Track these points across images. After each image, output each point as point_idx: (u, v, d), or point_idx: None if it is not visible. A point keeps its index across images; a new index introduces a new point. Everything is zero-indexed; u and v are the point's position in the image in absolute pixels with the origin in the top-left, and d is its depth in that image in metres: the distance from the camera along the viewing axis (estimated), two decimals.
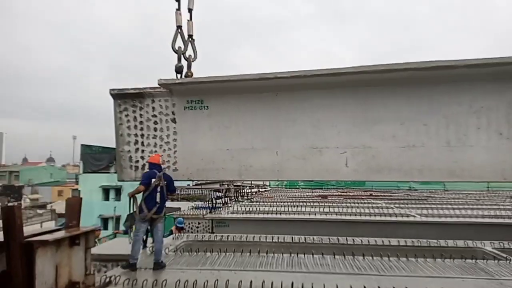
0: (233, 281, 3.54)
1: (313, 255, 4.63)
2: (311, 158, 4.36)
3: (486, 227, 7.02)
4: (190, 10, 4.76)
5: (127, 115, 4.42)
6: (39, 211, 26.68)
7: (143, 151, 4.46)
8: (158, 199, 4.20)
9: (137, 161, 4.46)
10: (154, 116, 4.42)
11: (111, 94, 4.39)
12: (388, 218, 7.74)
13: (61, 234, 3.61)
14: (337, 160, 4.30)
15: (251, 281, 3.49)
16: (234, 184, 20.22)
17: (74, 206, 3.97)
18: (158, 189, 4.23)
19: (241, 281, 3.49)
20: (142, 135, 4.45)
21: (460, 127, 4.08)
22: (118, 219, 23.03)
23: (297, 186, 22.93)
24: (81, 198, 4.21)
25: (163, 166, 4.34)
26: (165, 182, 4.12)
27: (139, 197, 4.25)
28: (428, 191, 18.77)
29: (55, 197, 40.59)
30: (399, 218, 7.75)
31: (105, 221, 24.05)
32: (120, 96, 4.41)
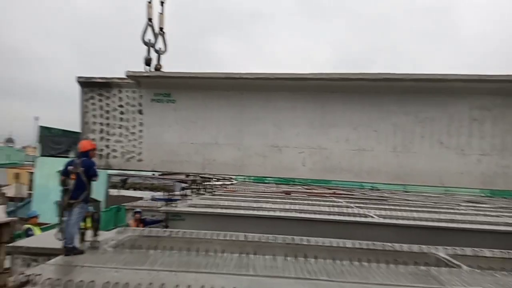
0: (169, 285, 3.32)
1: (264, 256, 4.52)
2: (272, 156, 4.62)
3: (441, 231, 7.17)
4: (162, 3, 4.85)
5: (93, 104, 4.47)
6: None
7: (108, 140, 4.53)
8: (71, 186, 4.37)
9: (101, 150, 4.53)
10: (121, 106, 4.50)
11: (78, 82, 4.42)
12: (346, 218, 7.78)
13: None
14: (295, 159, 4.59)
15: (189, 286, 3.30)
16: (201, 175, 20.24)
17: None
18: (72, 176, 4.38)
19: (177, 286, 3.29)
20: (108, 124, 4.52)
21: (406, 135, 4.49)
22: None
23: (265, 181, 23.19)
24: None
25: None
26: (82, 169, 4.30)
27: None
28: (389, 191, 19.27)
29: (10, 179, 38.63)
30: (357, 218, 7.78)
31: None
32: (87, 84, 4.45)
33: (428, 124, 4.47)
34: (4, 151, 54.41)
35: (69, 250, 4.25)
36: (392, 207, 10.31)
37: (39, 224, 9.30)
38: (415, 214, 8.57)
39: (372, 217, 8.02)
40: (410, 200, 13.89)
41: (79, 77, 4.41)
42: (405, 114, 4.45)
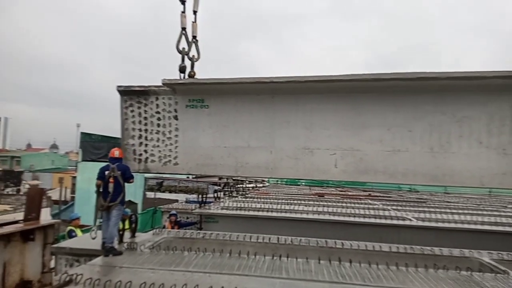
0: (203, 286, 3.36)
1: (297, 259, 4.46)
2: (303, 158, 4.64)
3: (485, 235, 6.80)
4: (195, 12, 5.03)
5: (132, 111, 4.72)
6: None
7: (146, 145, 4.75)
8: (110, 189, 4.63)
9: (140, 154, 4.76)
10: (158, 112, 4.71)
11: (118, 91, 4.68)
12: (382, 221, 7.51)
13: (10, 228, 3.31)
14: (327, 161, 4.59)
15: (222, 287, 3.34)
16: (233, 178, 20.52)
17: (34, 197, 3.73)
18: (111, 180, 4.65)
19: (211, 287, 3.33)
20: (146, 130, 4.74)
21: (443, 135, 4.36)
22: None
23: (298, 183, 23.06)
24: (42, 189, 4.08)
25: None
26: (119, 172, 4.60)
27: None
28: (428, 193, 18.56)
29: (55, 183, 40.97)
30: (394, 221, 7.48)
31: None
32: (127, 93, 4.70)
33: (466, 123, 4.31)
34: (49, 156, 58.00)
35: (109, 250, 4.47)
36: (432, 209, 9.90)
37: (80, 226, 9.84)
38: (456, 217, 8.22)
39: (410, 220, 7.74)
40: (451, 202, 13.27)
41: (119, 86, 4.67)
42: (441, 113, 4.32)
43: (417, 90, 4.30)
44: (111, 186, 4.59)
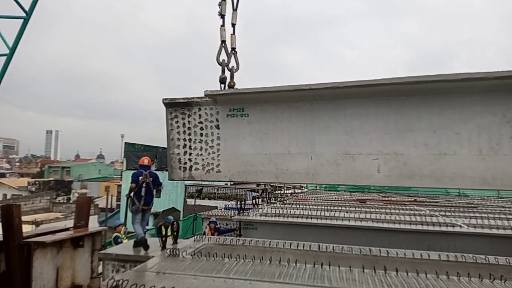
0: None
1: (339, 267, 4.36)
2: (344, 163, 4.61)
3: None
4: (233, 25, 5.20)
5: (177, 122, 4.95)
6: None
7: (190, 154, 4.95)
8: (143, 194, 5.29)
9: (185, 163, 4.97)
10: (200, 122, 4.90)
11: (164, 103, 4.93)
12: (429, 228, 7.17)
13: (62, 235, 3.41)
14: (369, 166, 4.53)
15: None
16: (271, 184, 20.58)
17: (83, 206, 3.90)
18: (144, 185, 5.35)
19: None
20: (190, 140, 4.95)
21: (492, 136, 4.16)
22: (156, 215, 24.26)
23: (337, 189, 22.71)
24: (90, 198, 4.46)
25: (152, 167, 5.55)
26: (151, 179, 5.26)
27: None
28: (479, 197, 17.62)
29: (102, 192, 43.26)
30: (443, 228, 7.14)
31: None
32: (171, 105, 4.94)
33: None
34: (96, 166, 61.33)
35: (140, 243, 5.26)
36: (484, 215, 9.35)
37: (127, 233, 10.34)
38: None
39: (460, 226, 7.35)
40: (506, 207, 12.47)
41: (165, 99, 4.92)
42: (490, 114, 4.13)
43: (463, 91, 4.15)
44: (143, 191, 5.20)
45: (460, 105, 4.22)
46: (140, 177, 5.34)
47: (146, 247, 5.30)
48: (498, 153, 4.14)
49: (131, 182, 5.45)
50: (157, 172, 6.19)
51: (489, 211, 10.90)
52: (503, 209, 11.79)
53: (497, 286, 3.87)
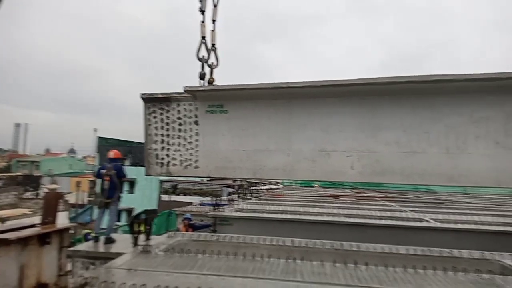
0: None
1: (311, 261, 4.41)
2: (320, 160, 4.74)
3: (507, 237, 6.60)
4: (213, 21, 5.20)
5: (155, 117, 4.91)
6: None
7: (168, 149, 4.93)
8: (106, 186, 5.28)
9: (162, 159, 4.94)
10: (179, 118, 4.89)
11: (142, 98, 4.88)
12: (399, 223, 7.44)
13: (28, 232, 3.32)
14: (343, 162, 4.67)
15: None
16: (248, 180, 20.66)
17: (51, 201, 3.83)
18: (107, 178, 5.37)
19: None
20: (168, 135, 4.92)
21: (459, 136, 4.39)
22: (130, 212, 23.85)
23: (311, 185, 23.08)
24: (59, 193, 4.28)
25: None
26: (114, 172, 5.29)
27: None
28: (447, 194, 18.29)
29: (73, 187, 41.94)
30: (411, 223, 7.42)
31: (118, 213, 25.00)
32: (150, 100, 4.89)
33: (483, 124, 4.34)
34: (67, 161, 59.28)
35: (109, 240, 5.13)
36: (450, 210, 9.80)
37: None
38: (476, 218, 8.08)
39: (428, 221, 7.69)
40: (471, 203, 13.11)
41: (143, 94, 4.87)
42: (458, 115, 4.36)
43: (434, 92, 4.36)
44: (106, 184, 5.20)
45: (430, 106, 4.43)
46: (102, 170, 5.40)
47: (97, 241, 5.34)
48: (464, 151, 4.38)
49: (94, 176, 5.56)
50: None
51: (455, 206, 11.46)
52: (468, 204, 12.41)
53: (460, 278, 4.07)
